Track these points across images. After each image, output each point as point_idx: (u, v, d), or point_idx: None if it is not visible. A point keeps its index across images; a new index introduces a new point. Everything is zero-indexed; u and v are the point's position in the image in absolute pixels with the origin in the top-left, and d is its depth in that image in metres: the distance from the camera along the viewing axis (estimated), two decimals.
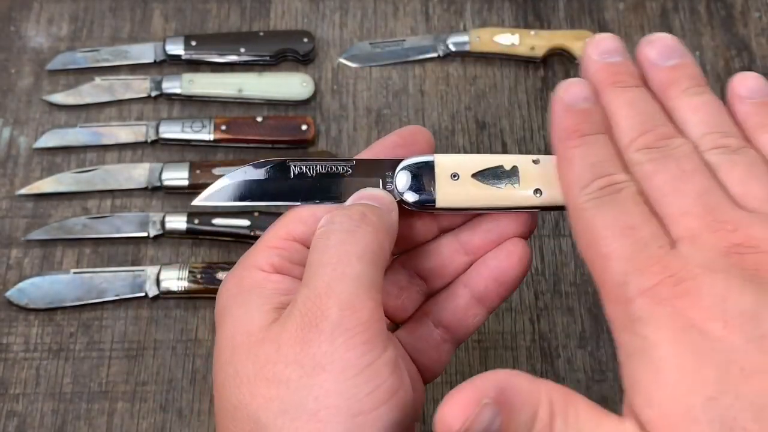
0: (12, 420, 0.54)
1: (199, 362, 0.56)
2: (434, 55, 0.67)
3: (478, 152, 0.63)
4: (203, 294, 0.57)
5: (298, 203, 0.36)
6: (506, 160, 0.36)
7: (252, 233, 0.58)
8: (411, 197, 0.36)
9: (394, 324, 0.39)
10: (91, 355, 0.56)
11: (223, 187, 0.36)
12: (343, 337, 0.30)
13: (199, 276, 0.57)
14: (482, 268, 0.38)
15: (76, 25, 0.68)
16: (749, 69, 0.67)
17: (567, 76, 0.66)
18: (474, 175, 0.36)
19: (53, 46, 0.67)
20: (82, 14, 0.68)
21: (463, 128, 0.65)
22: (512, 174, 0.36)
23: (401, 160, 0.36)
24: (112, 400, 0.55)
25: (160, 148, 0.63)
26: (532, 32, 0.66)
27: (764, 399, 0.25)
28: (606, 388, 0.56)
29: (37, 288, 0.57)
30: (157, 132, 0.62)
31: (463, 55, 0.67)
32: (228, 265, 0.57)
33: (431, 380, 0.39)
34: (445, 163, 0.36)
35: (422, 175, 0.36)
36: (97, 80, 0.65)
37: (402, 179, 0.36)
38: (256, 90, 0.65)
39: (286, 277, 0.34)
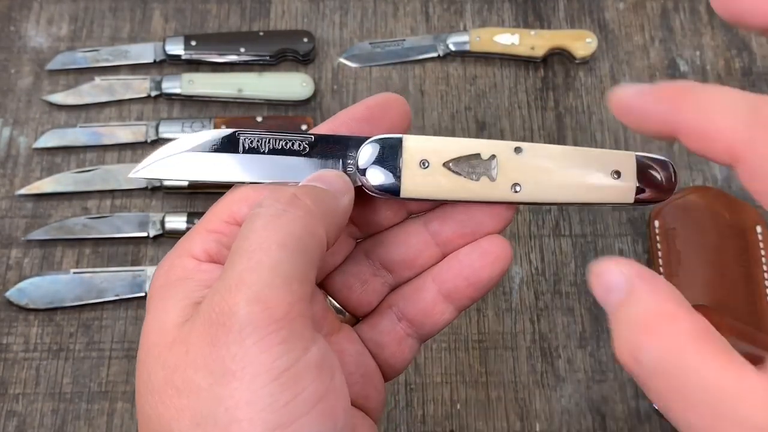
0: (12, 420, 0.54)
1: None
2: (434, 55, 0.67)
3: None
4: None
5: (246, 182, 0.32)
6: (484, 148, 0.32)
7: None
8: (372, 183, 0.32)
9: (355, 318, 0.36)
10: (91, 355, 0.56)
11: (163, 158, 0.32)
12: (253, 338, 0.26)
13: None
14: (453, 264, 0.34)
15: (76, 25, 0.68)
16: (749, 69, 0.67)
17: (567, 75, 0.66)
18: (446, 164, 0.32)
19: (53, 46, 0.67)
20: (82, 14, 0.68)
21: (463, 128, 0.65)
22: (489, 164, 0.32)
23: (366, 139, 0.33)
24: (111, 400, 0.55)
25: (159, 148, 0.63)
26: (532, 32, 0.66)
27: None
28: (606, 388, 0.56)
29: (37, 288, 0.57)
30: (157, 132, 0.62)
31: (463, 55, 0.67)
32: None
33: (394, 377, 0.36)
34: (414, 146, 0.32)
35: (387, 159, 0.32)
36: (97, 80, 0.65)
37: (363, 161, 0.32)
38: (256, 90, 0.65)
39: (218, 267, 0.30)
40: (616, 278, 0.28)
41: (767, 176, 0.25)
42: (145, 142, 0.63)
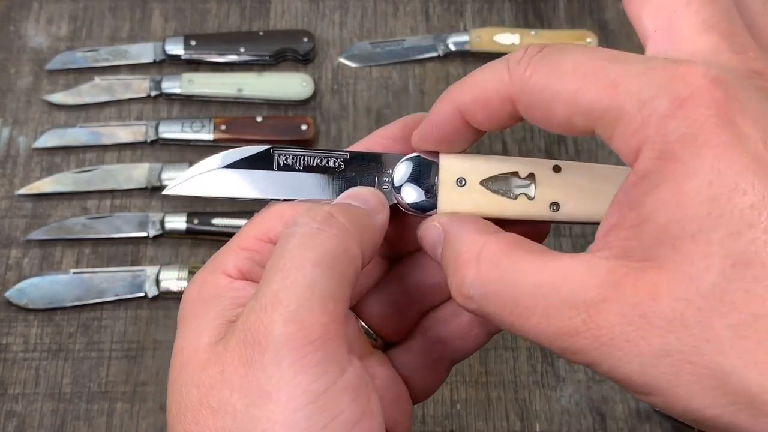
0: (11, 420, 0.54)
1: None
2: (434, 54, 0.67)
3: (479, 153, 0.63)
4: None
5: (281, 199, 0.32)
6: (522, 166, 0.32)
7: None
8: (408, 201, 0.32)
9: (386, 342, 0.35)
10: (91, 356, 0.56)
11: (198, 175, 0.32)
12: (289, 359, 0.26)
13: None
14: None
15: (76, 25, 0.67)
16: None
17: None
18: (483, 182, 0.32)
19: (53, 45, 0.67)
20: (81, 14, 0.68)
21: None
22: (527, 183, 0.32)
23: (402, 156, 0.32)
24: (111, 400, 0.55)
25: (159, 148, 0.63)
26: (533, 32, 0.66)
27: None
28: (606, 388, 0.56)
29: (37, 288, 0.57)
30: (157, 132, 0.62)
31: (464, 55, 0.67)
32: None
33: (423, 399, 0.35)
34: (451, 165, 0.32)
35: (423, 177, 0.32)
36: (97, 80, 0.65)
37: (399, 179, 0.32)
38: (256, 90, 0.64)
39: (251, 285, 0.30)
40: (434, 232, 0.30)
41: (540, 102, 0.27)
42: (145, 141, 0.63)
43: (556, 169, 0.32)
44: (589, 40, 0.66)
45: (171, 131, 0.62)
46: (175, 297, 0.57)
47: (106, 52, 0.66)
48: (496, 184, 0.32)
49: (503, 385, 0.56)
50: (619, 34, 0.68)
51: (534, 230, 0.33)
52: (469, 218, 0.30)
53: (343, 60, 0.67)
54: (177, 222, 0.59)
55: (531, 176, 0.32)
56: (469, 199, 0.32)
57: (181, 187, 0.33)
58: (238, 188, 0.32)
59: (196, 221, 0.59)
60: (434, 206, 0.32)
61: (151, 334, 0.57)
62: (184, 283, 0.56)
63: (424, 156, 0.32)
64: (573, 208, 0.31)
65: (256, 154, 0.32)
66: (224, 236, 0.59)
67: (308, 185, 0.32)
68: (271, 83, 0.65)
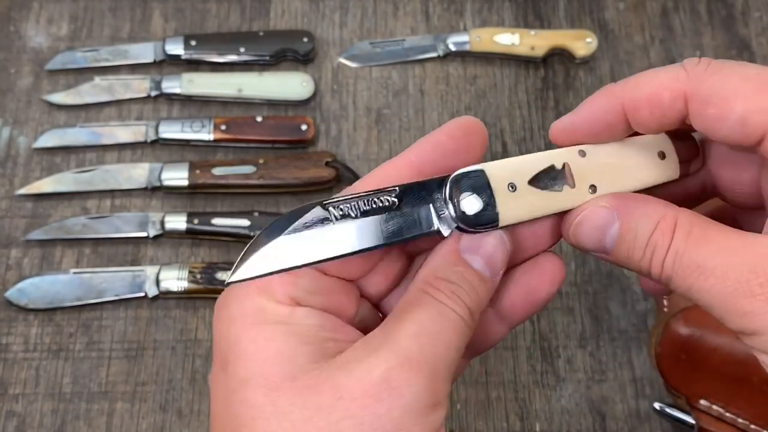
0: (11, 420, 0.54)
1: (198, 362, 0.56)
2: (434, 54, 0.67)
3: None
4: (203, 294, 0.57)
5: (348, 252, 0.30)
6: (555, 158, 0.32)
7: (252, 233, 0.58)
8: (470, 221, 0.31)
9: None
10: (91, 356, 0.56)
11: (258, 252, 0.29)
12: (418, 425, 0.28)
13: (198, 276, 0.57)
14: (509, 284, 0.34)
15: (76, 25, 0.67)
16: None
17: (567, 75, 0.66)
18: (530, 182, 0.32)
19: (53, 45, 0.67)
20: (81, 14, 0.68)
21: None
22: (565, 173, 0.32)
23: (446, 177, 0.31)
24: (111, 400, 0.55)
25: (159, 148, 0.63)
26: (533, 32, 0.66)
27: None
28: (606, 389, 0.56)
29: (37, 288, 0.57)
30: (157, 132, 0.62)
31: (463, 55, 0.67)
32: (228, 265, 0.57)
33: None
34: (497, 173, 0.31)
35: (475, 191, 0.31)
36: (97, 80, 0.65)
37: (456, 201, 0.31)
38: (256, 90, 0.64)
39: (311, 311, 0.31)
40: (603, 214, 0.31)
41: (718, 99, 0.29)
42: (145, 141, 0.63)
43: (582, 153, 0.33)
44: (588, 40, 0.66)
45: (171, 131, 0.62)
46: (175, 297, 0.57)
47: (106, 52, 0.66)
48: (540, 181, 0.32)
49: (503, 385, 0.56)
50: (619, 34, 0.68)
51: (552, 227, 0.34)
52: (640, 195, 0.32)
53: (343, 60, 0.67)
54: (177, 222, 0.59)
55: (565, 166, 0.32)
56: (525, 203, 0.32)
57: (244, 271, 0.29)
58: (303, 253, 0.30)
59: (196, 221, 0.59)
60: (495, 218, 0.31)
61: (151, 334, 0.57)
62: (184, 283, 0.56)
63: (470, 171, 0.31)
64: (606, 187, 0.32)
65: (311, 212, 0.30)
66: (224, 236, 0.59)
67: (369, 231, 0.30)
68: (271, 83, 0.65)
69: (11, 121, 0.64)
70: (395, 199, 0.31)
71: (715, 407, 0.51)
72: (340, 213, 0.30)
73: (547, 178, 0.32)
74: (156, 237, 0.59)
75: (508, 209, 0.31)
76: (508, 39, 0.66)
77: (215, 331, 0.31)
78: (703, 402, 0.52)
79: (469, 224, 0.31)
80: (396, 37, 0.68)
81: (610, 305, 0.59)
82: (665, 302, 0.55)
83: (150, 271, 0.57)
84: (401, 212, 0.31)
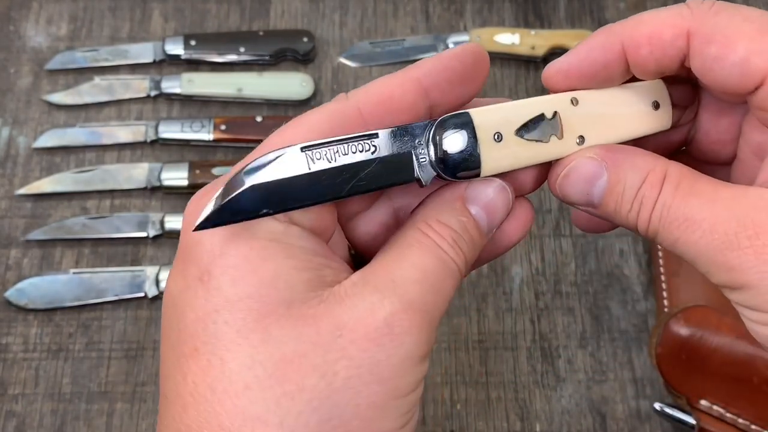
0: (11, 420, 0.54)
1: None
2: (434, 54, 0.67)
3: None
4: None
5: (324, 200, 0.29)
6: (546, 105, 0.31)
7: None
8: (451, 169, 0.30)
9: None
10: (91, 356, 0.56)
11: (221, 198, 0.28)
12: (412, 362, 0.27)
13: None
14: None
15: (76, 25, 0.67)
16: None
17: None
18: (517, 132, 0.31)
19: (52, 45, 0.66)
20: (81, 14, 0.68)
21: None
22: (554, 123, 0.31)
23: (429, 123, 0.30)
24: (111, 400, 0.55)
25: (159, 148, 0.63)
26: (533, 32, 0.66)
27: None
28: (606, 389, 0.56)
29: (37, 288, 0.57)
30: (157, 132, 0.62)
31: None
32: None
33: None
34: (484, 121, 0.30)
35: (459, 138, 0.30)
36: (97, 80, 0.65)
37: (438, 139, 0.30)
38: (256, 90, 0.64)
39: (303, 232, 0.29)
40: (591, 165, 0.30)
41: (721, 37, 0.28)
42: (145, 141, 0.62)
43: (574, 101, 0.32)
44: None
45: (171, 131, 0.62)
46: None
47: (106, 52, 0.66)
48: (528, 131, 0.31)
49: (503, 385, 0.56)
50: None
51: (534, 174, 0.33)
52: (629, 147, 0.31)
53: (343, 60, 0.67)
54: (177, 222, 0.59)
55: (555, 115, 0.31)
56: (510, 154, 0.30)
57: (212, 217, 0.28)
58: (277, 200, 0.28)
59: None
60: (477, 164, 0.30)
61: (150, 334, 0.57)
62: None
63: (456, 116, 0.30)
64: (595, 139, 0.32)
65: (287, 155, 0.28)
66: None
67: (346, 178, 0.29)
68: (271, 83, 0.65)
69: (11, 121, 0.64)
70: (375, 145, 0.29)
71: (715, 407, 0.51)
72: (318, 157, 0.29)
73: (535, 128, 0.31)
74: (156, 237, 0.59)
75: (492, 160, 0.30)
76: (508, 39, 0.66)
77: (188, 235, 0.28)
78: (703, 402, 0.52)
79: (448, 167, 0.30)
80: (396, 37, 0.68)
81: (610, 305, 0.58)
82: (666, 302, 0.55)
83: (150, 271, 0.57)
84: (381, 158, 0.29)
